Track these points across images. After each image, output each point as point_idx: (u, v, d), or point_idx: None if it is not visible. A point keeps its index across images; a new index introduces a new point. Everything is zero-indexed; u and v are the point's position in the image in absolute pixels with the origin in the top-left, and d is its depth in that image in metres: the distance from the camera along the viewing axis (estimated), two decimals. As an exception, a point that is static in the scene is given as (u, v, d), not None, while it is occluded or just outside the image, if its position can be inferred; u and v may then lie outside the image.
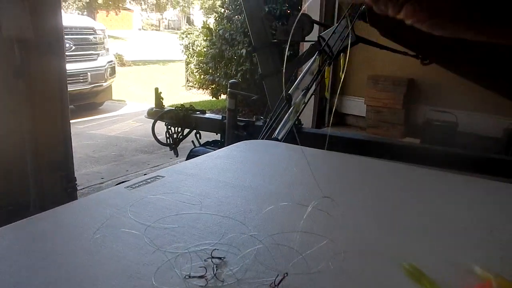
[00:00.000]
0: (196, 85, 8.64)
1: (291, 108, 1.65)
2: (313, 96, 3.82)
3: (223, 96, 6.99)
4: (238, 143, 1.22)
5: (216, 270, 0.56)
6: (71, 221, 0.72)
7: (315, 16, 3.73)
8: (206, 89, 7.59)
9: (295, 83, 1.72)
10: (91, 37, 6.25)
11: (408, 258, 0.60)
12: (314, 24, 2.39)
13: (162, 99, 2.78)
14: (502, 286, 0.55)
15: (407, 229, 0.74)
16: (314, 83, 1.71)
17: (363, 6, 1.90)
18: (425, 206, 0.85)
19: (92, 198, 0.83)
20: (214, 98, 7.11)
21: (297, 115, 1.65)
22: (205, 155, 1.10)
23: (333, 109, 4.39)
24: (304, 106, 1.66)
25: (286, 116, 1.64)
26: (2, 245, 0.63)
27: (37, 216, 0.74)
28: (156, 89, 2.79)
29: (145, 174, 0.96)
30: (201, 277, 0.55)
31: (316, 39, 2.13)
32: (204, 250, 0.62)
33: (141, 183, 0.88)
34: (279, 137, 1.55)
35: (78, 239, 0.65)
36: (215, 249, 0.62)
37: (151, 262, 0.59)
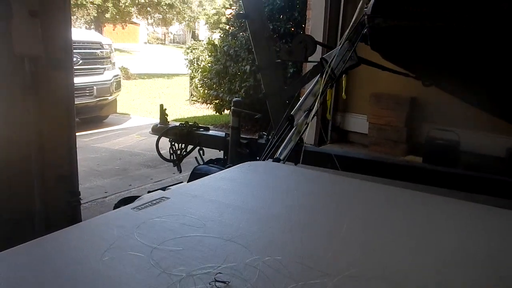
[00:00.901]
0: (200, 100, 8.72)
1: (293, 128, 1.69)
2: (313, 119, 3.87)
3: (226, 111, 7.05)
4: (241, 164, 1.25)
5: (219, 294, 0.59)
6: (79, 243, 0.75)
7: (319, 37, 3.80)
8: (210, 104, 7.66)
9: (298, 104, 1.76)
10: (98, 51, 6.35)
11: (407, 281, 0.63)
12: (317, 45, 2.44)
13: (167, 115, 2.83)
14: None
15: (407, 253, 0.76)
16: (316, 104, 1.75)
17: (365, 29, 1.95)
18: (422, 229, 0.87)
19: (99, 219, 0.86)
20: (217, 113, 7.18)
21: (299, 135, 1.69)
22: (208, 176, 1.13)
23: (336, 125, 4.43)
24: (307, 127, 1.70)
25: (288, 136, 1.67)
26: (11, 266, 0.66)
27: (45, 237, 0.76)
28: (161, 106, 2.84)
29: (148, 191, 0.99)
30: (204, 300, 0.57)
31: (319, 59, 2.17)
32: (208, 273, 0.65)
33: (147, 204, 0.91)
34: (281, 157, 1.58)
35: (87, 261, 0.68)
36: (219, 273, 0.64)
37: (157, 285, 0.62)
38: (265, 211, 0.91)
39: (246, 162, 1.28)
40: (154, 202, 0.92)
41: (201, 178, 1.11)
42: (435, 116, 3.88)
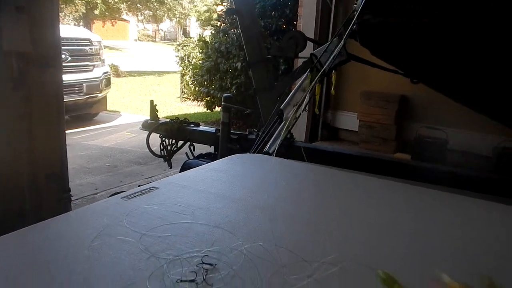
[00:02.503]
0: (191, 97, 8.72)
1: (283, 123, 1.71)
2: (306, 111, 3.90)
3: (217, 109, 7.05)
4: (230, 156, 1.27)
5: (206, 275, 0.61)
6: (69, 230, 0.76)
7: (310, 34, 3.82)
8: (201, 101, 7.66)
9: (287, 99, 1.78)
10: (87, 48, 6.31)
11: (384, 267, 0.65)
12: (308, 41, 2.46)
13: (157, 111, 2.83)
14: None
15: (386, 241, 0.79)
16: (306, 99, 1.77)
17: (355, 26, 1.98)
18: (403, 219, 0.90)
19: (89, 208, 0.87)
20: (208, 110, 7.18)
21: (289, 130, 1.71)
22: (197, 167, 1.14)
23: (327, 123, 4.46)
24: (295, 121, 1.72)
25: (278, 130, 1.69)
26: (8, 251, 0.67)
27: (35, 225, 0.77)
28: (151, 102, 2.84)
29: (139, 186, 1.01)
30: (191, 281, 0.59)
31: (309, 56, 2.19)
32: (195, 256, 0.66)
33: (136, 194, 0.92)
34: (270, 151, 1.60)
35: (77, 247, 0.69)
36: (205, 255, 0.66)
37: (145, 268, 0.63)
38: (253, 201, 0.93)
39: (235, 155, 1.30)
40: (144, 191, 0.94)
41: (190, 169, 1.13)
42: (424, 114, 3.94)
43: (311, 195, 1.02)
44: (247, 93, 5.77)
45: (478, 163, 3.53)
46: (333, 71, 2.02)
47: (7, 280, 0.59)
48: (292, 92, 1.82)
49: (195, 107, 8.61)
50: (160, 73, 14.59)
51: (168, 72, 14.20)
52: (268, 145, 1.63)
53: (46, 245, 0.71)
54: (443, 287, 0.59)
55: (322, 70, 1.89)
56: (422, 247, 0.77)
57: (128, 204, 0.87)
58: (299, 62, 3.63)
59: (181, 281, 0.59)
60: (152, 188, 0.96)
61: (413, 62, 2.04)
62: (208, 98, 6.91)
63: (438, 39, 1.71)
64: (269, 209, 0.88)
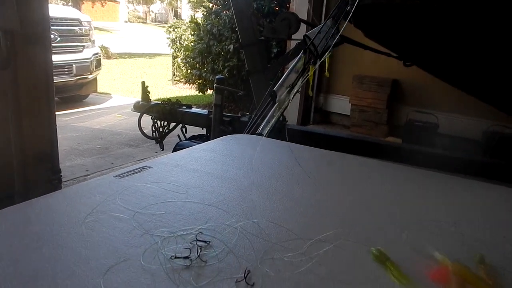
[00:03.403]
0: (182, 80, 8.63)
1: (276, 104, 1.70)
2: (298, 94, 3.89)
3: (209, 91, 7.00)
4: (223, 137, 1.27)
5: (200, 251, 0.61)
6: (62, 207, 0.76)
7: (303, 15, 3.78)
8: (193, 84, 7.58)
9: (280, 80, 1.77)
10: (76, 28, 6.19)
11: (378, 245, 0.66)
12: (301, 23, 2.44)
13: (149, 92, 2.80)
14: (458, 270, 0.61)
15: (379, 219, 0.79)
16: (299, 81, 1.76)
17: (348, 7, 1.96)
18: (396, 199, 0.91)
19: (81, 186, 0.86)
20: (200, 93, 7.12)
21: (281, 111, 1.70)
22: (190, 148, 1.14)
23: (319, 107, 4.46)
24: (288, 103, 1.71)
25: (271, 112, 1.68)
26: (1, 226, 0.67)
27: (29, 202, 0.77)
28: (143, 83, 2.81)
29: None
30: (186, 257, 0.59)
31: (302, 37, 2.17)
32: (189, 234, 0.67)
33: (129, 173, 0.92)
34: (263, 133, 1.60)
35: (70, 223, 0.69)
36: (200, 233, 0.66)
37: (139, 244, 0.63)
38: (246, 180, 0.93)
39: (228, 135, 1.30)
40: (136, 170, 0.93)
41: (182, 150, 1.12)
42: (415, 98, 3.96)
43: (304, 174, 1.02)
44: (240, 76, 5.73)
45: (467, 147, 3.57)
46: (327, 53, 2.00)
47: (9, 248, 0.59)
48: (285, 74, 1.81)
49: (187, 90, 8.53)
50: (151, 55, 14.40)
51: (160, 55, 14.02)
52: (261, 127, 1.63)
53: (38, 221, 0.70)
54: (445, 272, 0.60)
55: (315, 52, 1.88)
56: (414, 225, 0.78)
57: (121, 182, 0.86)
58: (291, 45, 3.61)
59: (176, 257, 0.59)
60: (145, 167, 0.95)
61: (406, 44, 2.03)
62: (200, 81, 6.84)
63: (430, 19, 1.70)
64: (263, 188, 0.89)
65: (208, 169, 0.98)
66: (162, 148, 2.84)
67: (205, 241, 0.64)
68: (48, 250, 0.61)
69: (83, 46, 6.19)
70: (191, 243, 0.63)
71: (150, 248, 0.62)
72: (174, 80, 9.10)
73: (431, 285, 0.58)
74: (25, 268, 0.56)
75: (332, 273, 0.59)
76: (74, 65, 5.92)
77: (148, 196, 0.80)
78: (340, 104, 4.41)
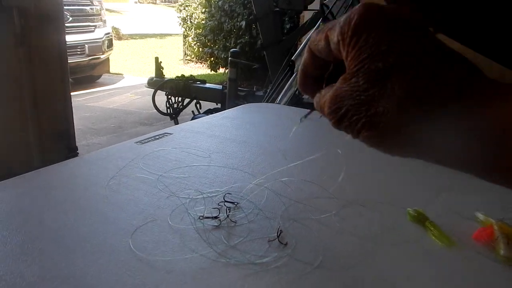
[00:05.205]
0: (194, 59, 8.56)
1: (294, 74, 1.65)
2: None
3: (221, 70, 6.94)
4: (242, 105, 1.23)
5: (229, 212, 0.59)
6: (85, 171, 0.74)
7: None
8: (205, 62, 7.52)
9: (299, 49, 1.72)
10: (87, 8, 6.14)
11: (413, 206, 0.63)
12: (317, -7, 2.36)
13: (162, 68, 2.77)
14: (503, 229, 0.57)
15: (412, 182, 0.76)
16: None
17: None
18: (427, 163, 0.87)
19: (102, 152, 0.84)
20: (212, 72, 7.06)
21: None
22: (211, 115, 1.11)
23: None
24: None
25: (289, 82, 1.64)
26: (25, 189, 0.65)
27: (51, 166, 0.75)
28: (156, 59, 2.78)
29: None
30: (214, 218, 0.57)
31: (318, 8, 2.11)
32: (216, 195, 0.64)
33: (149, 139, 0.90)
34: (282, 103, 1.56)
35: (94, 186, 0.67)
36: (228, 193, 0.64)
37: (166, 206, 0.61)
38: (269, 145, 0.90)
39: (247, 104, 1.26)
40: (157, 137, 0.91)
41: (202, 117, 1.10)
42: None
43: (330, 140, 0.98)
44: (252, 52, 5.65)
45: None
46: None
47: (26, 216, 0.57)
48: (304, 42, 1.76)
49: (199, 69, 8.47)
50: (162, 36, 14.29)
51: (170, 35, 13.90)
52: (279, 97, 1.59)
53: (61, 184, 0.69)
54: (489, 231, 0.57)
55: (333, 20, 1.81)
56: (450, 188, 0.74)
57: (142, 148, 0.84)
58: (305, 19, 3.52)
59: (204, 217, 0.57)
60: (166, 134, 0.93)
61: (434, 3, 1.94)
62: (211, 59, 6.78)
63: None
64: (288, 153, 0.86)
65: (229, 135, 0.95)
66: (177, 124, 2.82)
67: (233, 202, 0.62)
68: (74, 212, 0.59)
69: (95, 26, 6.15)
70: (219, 204, 0.61)
71: (177, 209, 0.60)
72: (186, 59, 9.03)
73: (474, 245, 0.55)
74: (52, 229, 0.54)
75: (368, 234, 0.57)
76: (86, 45, 5.90)
77: (171, 160, 0.78)
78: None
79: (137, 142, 0.87)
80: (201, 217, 0.57)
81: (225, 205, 0.60)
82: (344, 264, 0.50)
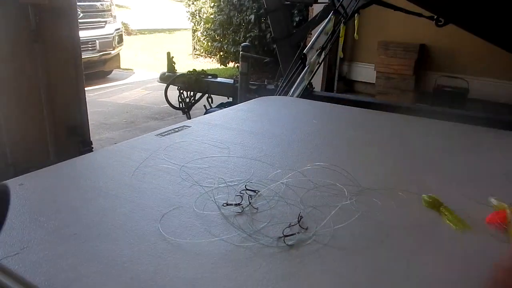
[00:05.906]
0: (203, 53, 8.59)
1: (306, 68, 1.67)
2: (322, 63, 3.81)
3: (231, 64, 6.95)
4: (257, 98, 1.26)
5: (251, 199, 0.61)
6: (109, 162, 0.77)
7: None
8: (214, 56, 7.54)
9: (310, 42, 1.73)
10: (98, 4, 6.19)
11: (428, 193, 0.65)
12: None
13: (174, 63, 2.80)
14: (516, 214, 0.59)
15: (427, 170, 0.78)
16: (329, 43, 1.72)
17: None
18: (444, 152, 0.88)
19: (124, 144, 0.88)
20: (222, 66, 7.08)
21: (312, 74, 1.67)
22: (226, 108, 1.13)
23: (342, 75, 4.38)
24: (319, 66, 1.68)
25: (301, 76, 1.66)
26: (54, 180, 0.69)
27: (73, 159, 0.79)
28: (168, 54, 2.80)
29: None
30: (237, 205, 0.60)
31: (328, 1, 2.11)
32: (237, 184, 0.67)
33: (169, 131, 0.93)
34: (295, 96, 1.58)
35: (120, 175, 0.70)
36: (249, 181, 0.67)
37: (190, 194, 0.64)
38: (285, 136, 0.93)
39: (260, 97, 1.29)
40: (177, 129, 0.94)
41: (219, 110, 1.12)
42: (444, 63, 3.82)
43: (345, 130, 1.01)
44: (261, 46, 5.65)
45: (499, 111, 3.45)
46: (356, 15, 1.94)
47: (58, 204, 0.60)
48: (315, 36, 1.77)
49: (208, 64, 8.49)
50: (171, 30, 14.33)
51: (179, 29, 13.93)
52: (291, 91, 1.61)
53: (87, 175, 0.72)
54: (502, 215, 0.58)
55: (344, 13, 1.82)
56: (464, 175, 0.76)
57: (163, 140, 0.87)
58: (314, 13, 3.51)
59: (227, 204, 0.60)
60: (185, 127, 0.96)
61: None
62: (221, 53, 6.79)
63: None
64: (304, 144, 0.88)
65: (246, 127, 0.98)
66: (189, 118, 2.85)
67: (254, 190, 0.64)
68: (102, 200, 0.62)
69: (105, 22, 6.21)
70: (240, 193, 0.64)
71: (200, 197, 0.63)
72: (195, 54, 9.06)
73: (487, 229, 0.57)
74: (85, 216, 0.58)
75: (386, 219, 0.59)
76: (97, 41, 5.95)
77: (191, 151, 0.81)
78: (365, 72, 4.31)
79: (157, 135, 0.90)
80: (224, 204, 0.60)
81: (246, 193, 0.63)
82: (362, 246, 0.52)
